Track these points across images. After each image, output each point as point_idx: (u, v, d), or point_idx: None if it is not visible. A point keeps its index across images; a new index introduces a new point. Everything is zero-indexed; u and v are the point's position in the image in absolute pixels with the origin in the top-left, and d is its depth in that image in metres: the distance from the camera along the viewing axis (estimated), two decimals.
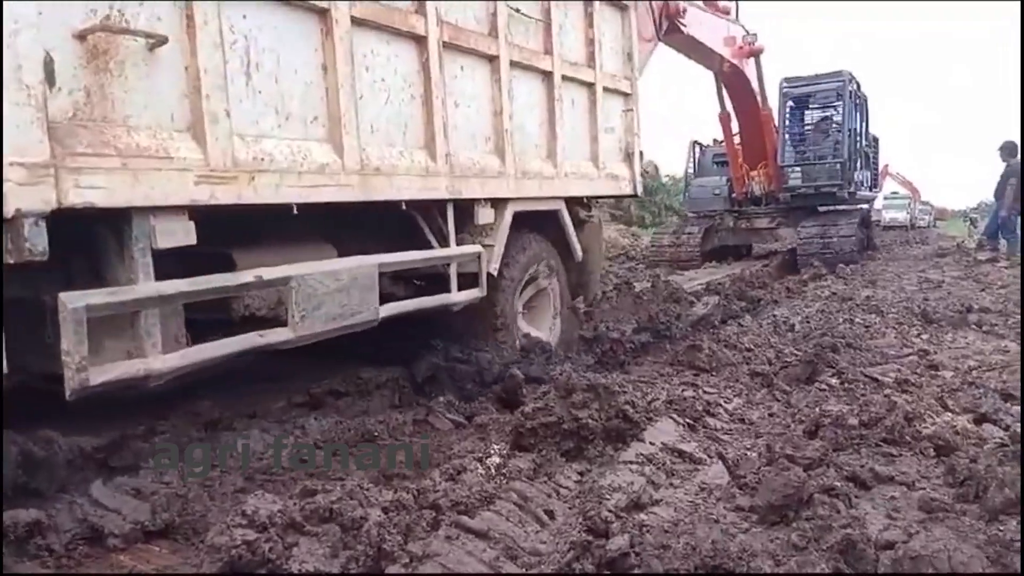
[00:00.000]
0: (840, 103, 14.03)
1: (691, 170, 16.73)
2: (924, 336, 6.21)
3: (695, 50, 11.12)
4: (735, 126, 14.40)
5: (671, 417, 3.82)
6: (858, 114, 14.54)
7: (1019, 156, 12.22)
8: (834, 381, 4.69)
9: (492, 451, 3.25)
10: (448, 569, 2.28)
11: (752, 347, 5.71)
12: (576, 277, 6.29)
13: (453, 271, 4.63)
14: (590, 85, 6.05)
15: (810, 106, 14.68)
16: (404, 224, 4.54)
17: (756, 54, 12.91)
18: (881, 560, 2.28)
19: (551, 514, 2.78)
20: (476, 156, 4.78)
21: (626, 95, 6.62)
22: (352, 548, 2.23)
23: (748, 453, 3.44)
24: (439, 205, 4.59)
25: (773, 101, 14.11)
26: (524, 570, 2.39)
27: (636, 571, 2.30)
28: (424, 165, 4.34)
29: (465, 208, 4.76)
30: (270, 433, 3.51)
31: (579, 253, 6.03)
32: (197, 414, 3.74)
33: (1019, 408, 3.94)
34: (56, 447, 2.86)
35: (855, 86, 14.27)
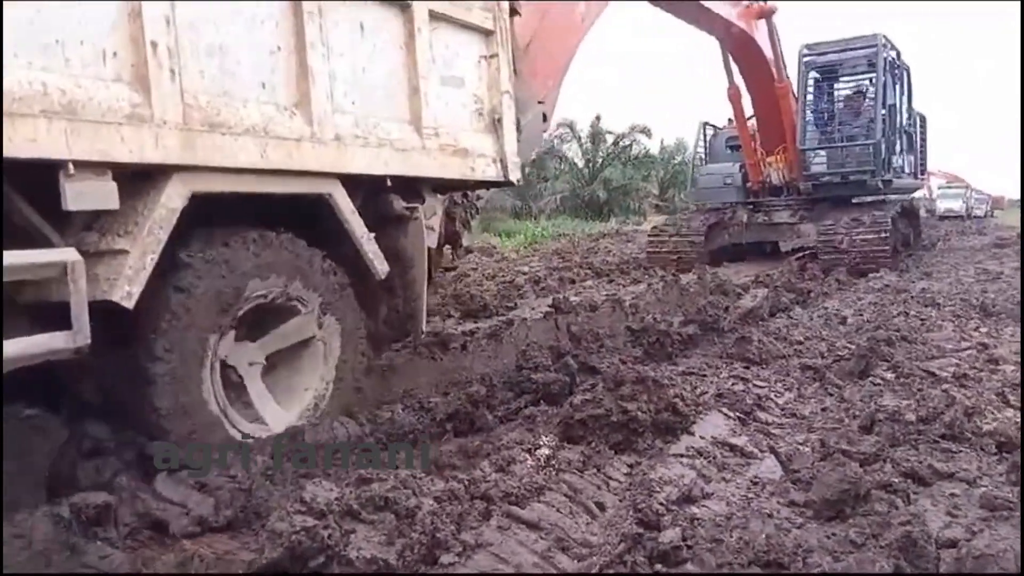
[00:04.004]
0: (874, 73, 11.58)
1: (701, 156, 14.23)
2: (983, 329, 6.02)
3: (688, 11, 9.34)
4: (748, 104, 12.33)
5: (721, 411, 3.79)
6: (897, 87, 12.19)
7: None
8: (889, 375, 4.58)
9: (541, 443, 3.26)
10: (501, 559, 2.30)
11: (803, 340, 5.62)
12: (389, 305, 4.39)
13: None
14: (403, 7, 4.09)
15: (838, 77, 12.31)
16: None
17: (767, 15, 10.85)
18: (943, 559, 2.23)
19: (601, 506, 2.79)
20: (55, 80, 2.65)
21: (486, 32, 4.70)
22: (407, 536, 2.27)
23: (801, 448, 3.39)
24: None
25: (792, 73, 11.92)
26: (575, 561, 2.40)
27: (688, 565, 2.29)
28: None
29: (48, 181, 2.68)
30: (344, 426, 3.54)
31: (380, 266, 4.00)
32: None
33: None
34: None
35: (894, 53, 11.94)
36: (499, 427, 3.98)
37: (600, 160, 31.79)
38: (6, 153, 2.49)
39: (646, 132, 31.32)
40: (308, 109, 3.55)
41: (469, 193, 5.90)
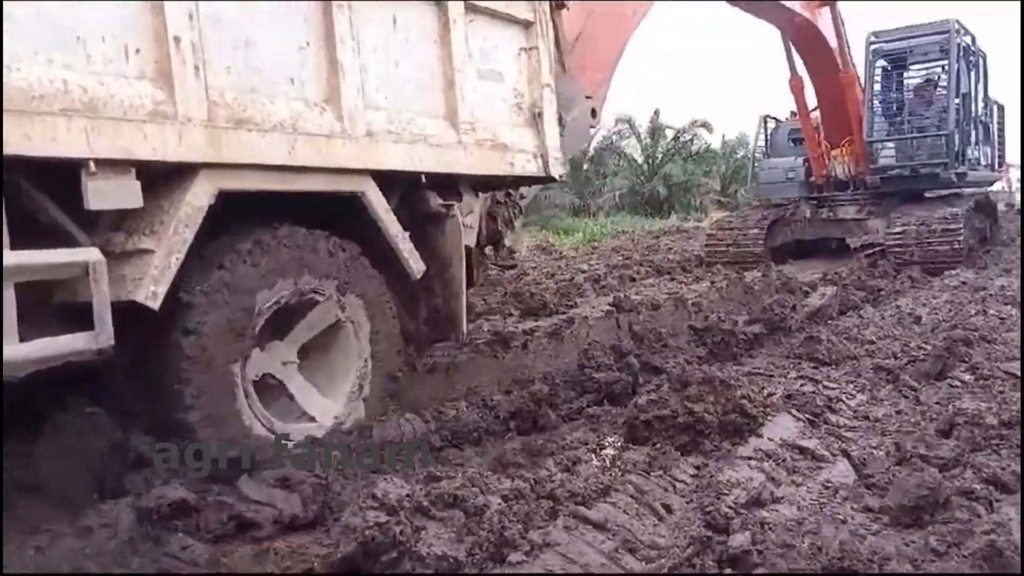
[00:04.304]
0: (946, 61, 11.05)
1: (762, 150, 13.71)
2: None
3: (749, 1, 9.11)
4: (812, 96, 11.83)
5: (790, 412, 3.71)
6: (972, 75, 11.63)
7: None
8: (968, 377, 4.41)
9: (606, 443, 3.26)
10: (568, 559, 2.31)
11: (875, 340, 5.45)
12: (428, 305, 4.29)
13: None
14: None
15: (908, 66, 11.68)
16: None
17: (831, 1, 10.54)
18: None
19: (668, 508, 2.76)
20: (75, 77, 2.63)
21: (525, 24, 4.55)
22: (475, 534, 2.30)
23: (875, 452, 3.29)
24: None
25: (858, 62, 11.40)
26: (643, 563, 2.39)
27: (759, 569, 2.25)
28: None
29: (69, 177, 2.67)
30: (410, 423, 3.61)
31: (416, 265, 3.92)
32: None
33: None
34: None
35: (968, 39, 11.42)
36: (562, 426, 3.99)
37: (660, 156, 31.40)
38: (26, 151, 2.48)
39: (707, 127, 30.81)
40: (338, 105, 3.48)
41: (512, 192, 5.75)
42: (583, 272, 11.51)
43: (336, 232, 3.60)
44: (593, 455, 3.08)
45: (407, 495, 2.28)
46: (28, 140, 2.47)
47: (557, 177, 4.82)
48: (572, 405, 4.26)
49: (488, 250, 6.00)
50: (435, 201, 4.15)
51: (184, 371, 2.98)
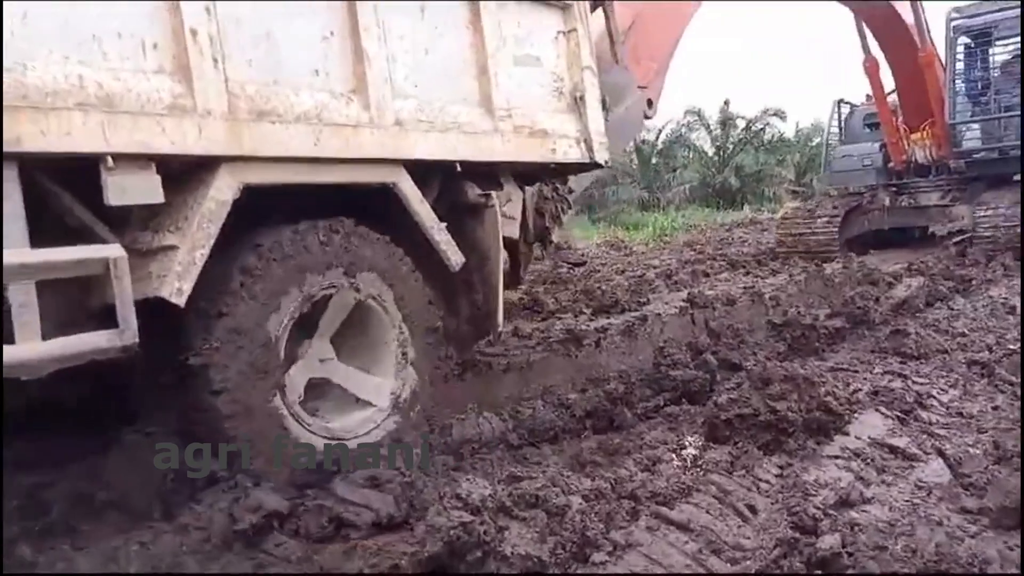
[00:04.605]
0: None
1: (836, 136, 13.14)
2: None
3: None
4: (888, 78, 11.30)
5: (878, 409, 3.59)
6: None
7: None
8: None
9: (686, 442, 3.23)
10: (652, 559, 2.30)
11: (966, 332, 5.22)
12: (469, 301, 4.13)
13: (18, 297, 2.45)
14: None
15: (993, 42, 10.98)
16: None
17: None
18: None
19: (752, 508, 2.72)
20: (94, 74, 2.65)
21: (563, 7, 4.41)
22: (558, 534, 2.31)
23: (971, 450, 3.16)
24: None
25: (937, 40, 10.78)
26: (729, 564, 2.36)
27: (850, 572, 2.20)
28: None
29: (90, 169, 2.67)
30: (488, 422, 3.65)
31: (454, 257, 3.79)
32: None
33: None
34: None
35: None
36: (639, 425, 3.96)
37: (731, 146, 30.71)
38: (41, 147, 2.47)
39: (780, 115, 29.93)
40: (365, 94, 3.41)
41: (559, 186, 5.62)
42: (654, 268, 11.37)
43: (370, 226, 3.51)
44: (673, 455, 3.05)
45: (490, 495, 2.32)
46: (43, 136, 2.47)
47: (603, 163, 4.60)
48: (648, 404, 4.22)
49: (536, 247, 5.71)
50: (473, 191, 4.02)
51: (229, 429, 2.96)
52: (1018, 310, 5.99)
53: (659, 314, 6.78)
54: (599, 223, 22.28)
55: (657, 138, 29.46)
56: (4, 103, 2.39)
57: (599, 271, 11.35)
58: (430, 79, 3.74)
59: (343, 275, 3.39)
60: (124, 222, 2.86)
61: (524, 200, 4.82)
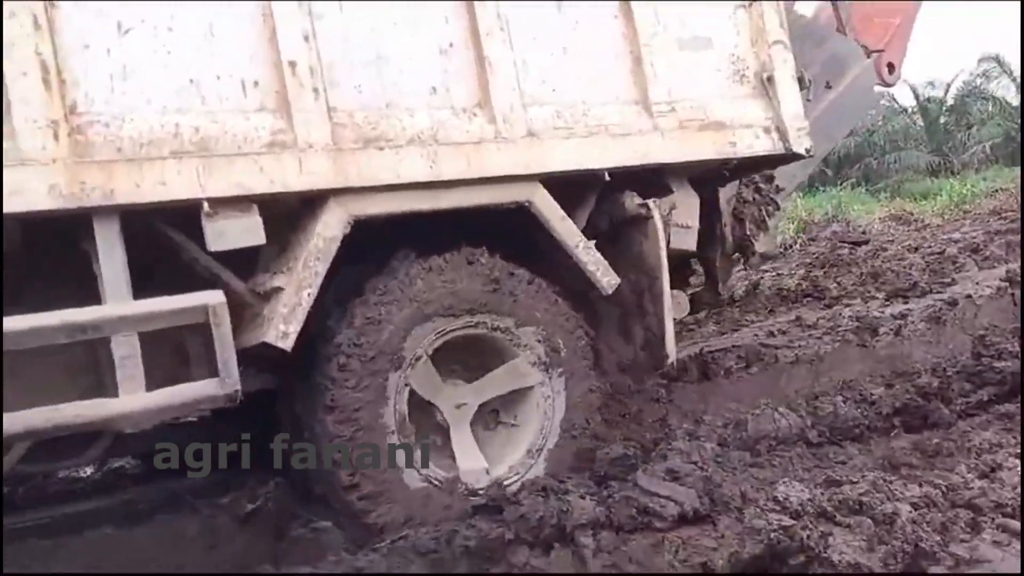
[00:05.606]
0: None
1: None
2: None
3: None
4: None
5: None
6: None
7: None
8: None
9: None
10: None
11: None
12: (642, 325, 3.67)
13: (121, 349, 2.48)
14: None
15: None
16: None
17: None
18: None
19: None
20: (191, 119, 2.65)
21: None
22: (888, 543, 2.18)
23: None
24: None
25: None
26: None
27: None
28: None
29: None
30: (785, 417, 3.56)
31: (605, 278, 3.40)
32: None
33: None
34: None
35: None
36: (959, 423, 3.59)
37: None
38: (135, 199, 2.48)
39: None
40: (489, 106, 3.14)
41: (763, 186, 4.86)
42: (955, 242, 10.05)
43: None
44: (1017, 460, 2.71)
45: (809, 499, 2.25)
46: (137, 188, 2.47)
47: (804, 152, 3.91)
48: (969, 399, 3.83)
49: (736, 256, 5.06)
50: (632, 201, 3.55)
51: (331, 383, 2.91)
52: None
53: (970, 296, 6.01)
54: (879, 195, 20.27)
55: (946, 93, 26.12)
56: (100, 158, 2.46)
57: (886, 249, 10.31)
58: (570, 81, 3.39)
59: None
60: (247, 266, 2.85)
61: (719, 204, 4.33)
